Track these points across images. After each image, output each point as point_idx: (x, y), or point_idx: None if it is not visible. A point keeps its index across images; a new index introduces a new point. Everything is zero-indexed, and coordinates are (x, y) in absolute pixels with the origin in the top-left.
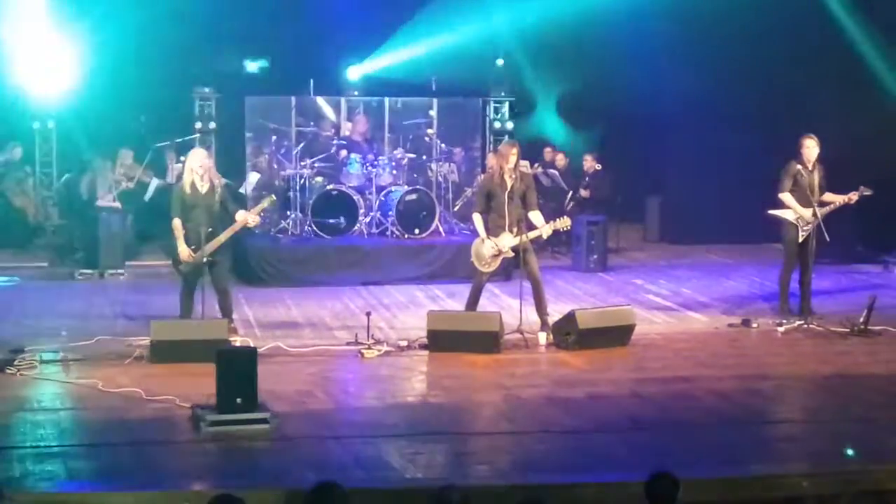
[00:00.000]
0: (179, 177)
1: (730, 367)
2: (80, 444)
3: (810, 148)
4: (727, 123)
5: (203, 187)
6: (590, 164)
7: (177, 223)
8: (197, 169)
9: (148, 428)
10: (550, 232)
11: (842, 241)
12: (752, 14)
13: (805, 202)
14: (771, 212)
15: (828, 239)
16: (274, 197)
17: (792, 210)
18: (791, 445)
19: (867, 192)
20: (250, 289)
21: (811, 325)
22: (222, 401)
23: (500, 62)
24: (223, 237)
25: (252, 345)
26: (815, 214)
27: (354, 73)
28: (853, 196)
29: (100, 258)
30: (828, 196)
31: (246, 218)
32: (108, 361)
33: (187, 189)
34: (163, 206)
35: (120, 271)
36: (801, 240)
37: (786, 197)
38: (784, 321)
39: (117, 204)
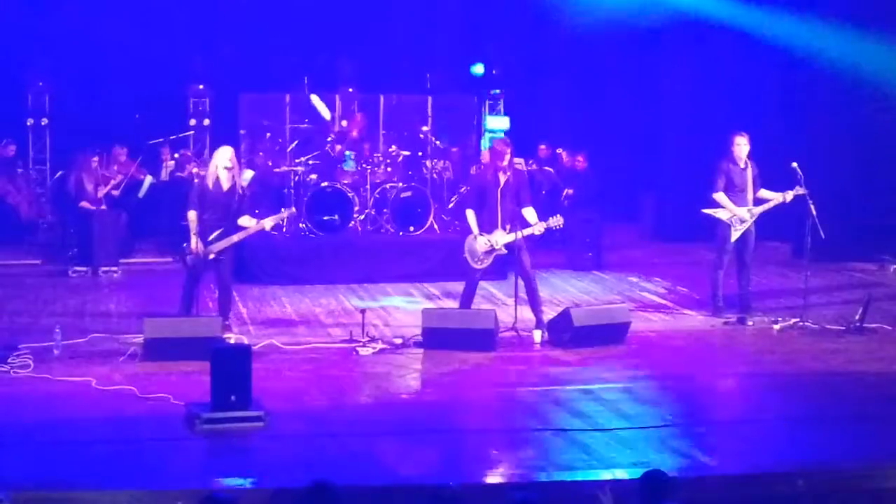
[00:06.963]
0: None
1: (725, 364)
2: (73, 442)
3: (741, 146)
4: (722, 121)
5: (225, 185)
6: (581, 163)
7: (192, 215)
8: (223, 166)
9: (142, 426)
10: (543, 230)
11: (837, 239)
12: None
13: (740, 201)
14: (705, 210)
15: (822, 236)
16: (294, 209)
17: (726, 209)
18: (786, 443)
19: (801, 192)
20: (245, 286)
21: (807, 323)
22: (216, 398)
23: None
24: (236, 238)
25: (246, 342)
26: (750, 214)
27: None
28: (788, 195)
29: (94, 255)
30: (763, 192)
31: (262, 224)
32: (101, 359)
33: (210, 184)
34: (157, 204)
35: (114, 268)
36: (734, 239)
37: (720, 196)
38: (779, 318)
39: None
